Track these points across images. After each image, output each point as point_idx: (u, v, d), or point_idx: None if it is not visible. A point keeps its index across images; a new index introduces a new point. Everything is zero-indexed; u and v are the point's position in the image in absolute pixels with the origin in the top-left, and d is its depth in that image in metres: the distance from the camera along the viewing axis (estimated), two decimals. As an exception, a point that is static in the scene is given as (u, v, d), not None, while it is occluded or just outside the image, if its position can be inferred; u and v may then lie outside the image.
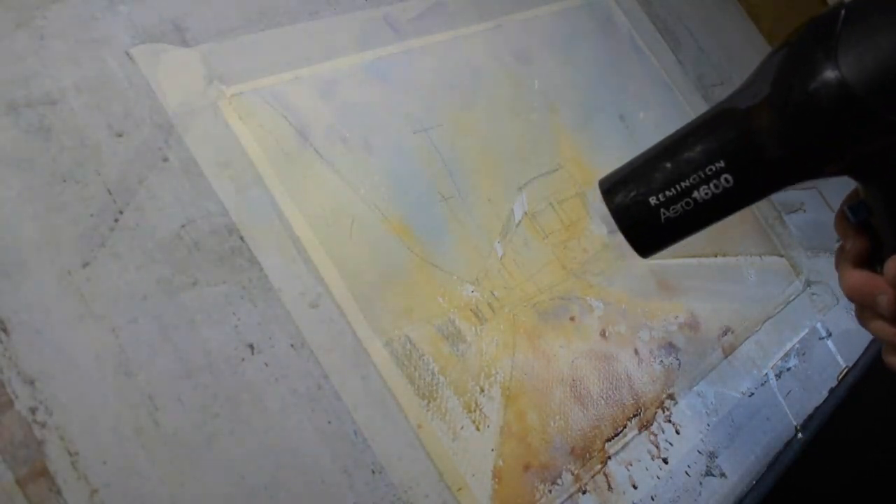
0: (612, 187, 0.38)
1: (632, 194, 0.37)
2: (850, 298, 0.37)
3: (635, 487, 0.50)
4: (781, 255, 0.69)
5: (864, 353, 0.69)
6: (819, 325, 0.68)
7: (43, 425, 0.34)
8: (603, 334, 0.55)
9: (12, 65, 0.40)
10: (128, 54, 0.44)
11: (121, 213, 0.40)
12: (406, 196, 0.51)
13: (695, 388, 0.57)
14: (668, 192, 0.35)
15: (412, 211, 0.51)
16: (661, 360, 0.56)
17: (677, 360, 0.57)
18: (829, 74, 0.30)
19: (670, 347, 0.57)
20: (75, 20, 0.44)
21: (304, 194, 0.47)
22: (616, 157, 0.64)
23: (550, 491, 0.47)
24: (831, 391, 0.65)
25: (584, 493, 0.48)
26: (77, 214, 0.39)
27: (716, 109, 0.36)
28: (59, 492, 0.33)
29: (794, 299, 0.67)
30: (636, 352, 0.56)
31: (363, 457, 0.42)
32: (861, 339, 0.70)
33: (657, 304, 0.59)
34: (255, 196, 0.45)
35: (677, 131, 0.36)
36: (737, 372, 0.60)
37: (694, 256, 0.64)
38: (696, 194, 0.35)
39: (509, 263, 0.54)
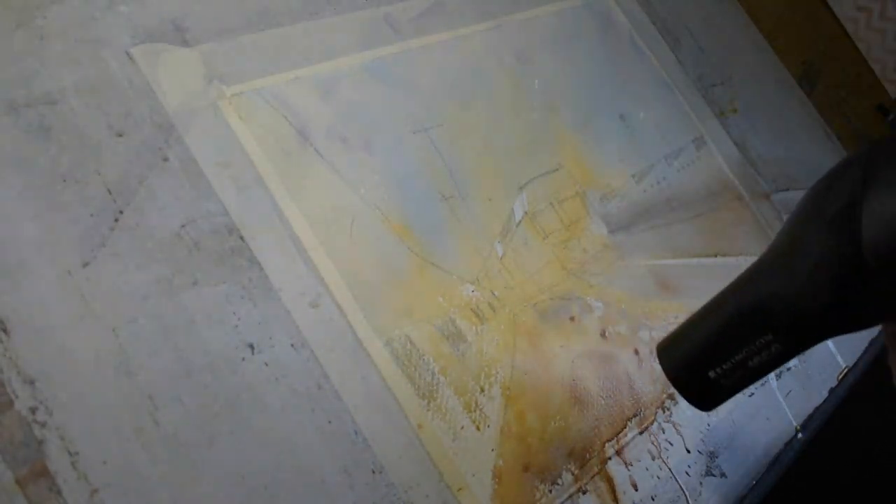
0: (670, 360, 0.40)
1: (690, 369, 0.39)
2: None
3: (636, 488, 0.50)
4: (781, 255, 0.69)
5: (864, 353, 0.69)
6: (819, 325, 0.68)
7: (43, 425, 0.34)
8: (603, 334, 0.55)
9: (12, 65, 0.40)
10: (128, 54, 0.44)
11: (121, 212, 0.40)
12: (406, 196, 0.51)
13: (695, 388, 0.57)
14: (724, 367, 0.38)
15: (412, 211, 0.51)
16: (662, 360, 0.56)
17: (677, 360, 0.57)
18: (848, 250, 0.31)
19: (670, 347, 0.57)
20: (75, 20, 0.44)
21: (305, 194, 0.47)
22: (616, 156, 0.64)
23: (550, 491, 0.47)
24: (831, 391, 0.65)
25: (584, 493, 0.48)
26: (77, 214, 0.39)
27: (753, 270, 0.38)
28: (59, 492, 0.33)
29: (794, 299, 0.67)
30: (636, 352, 0.56)
31: (363, 457, 0.42)
32: (861, 339, 0.70)
33: (657, 305, 0.59)
34: (256, 196, 0.45)
35: (724, 300, 0.39)
36: (737, 372, 0.60)
37: (694, 256, 0.64)
38: (750, 364, 0.37)
39: (509, 263, 0.54)
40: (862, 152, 0.33)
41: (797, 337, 0.36)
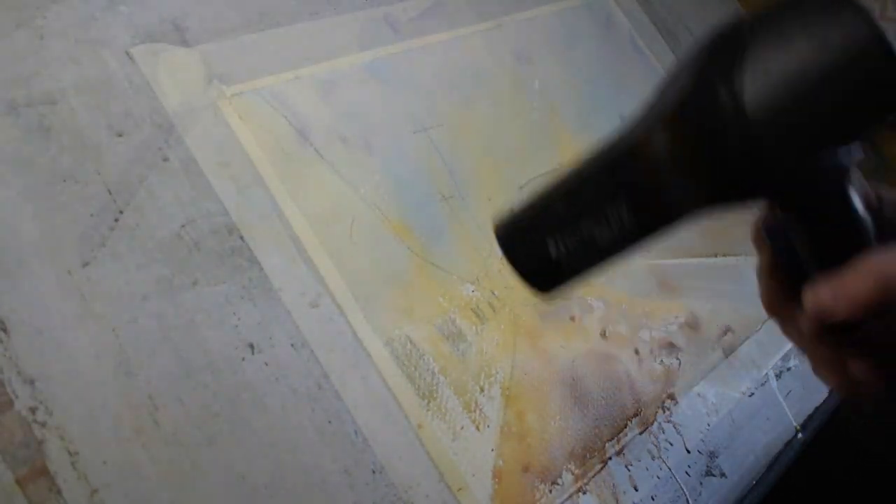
0: (507, 234, 0.35)
1: (525, 237, 0.35)
2: (768, 309, 0.34)
3: (636, 488, 0.50)
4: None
5: (864, 353, 0.69)
6: (819, 325, 0.68)
7: (43, 425, 0.34)
8: (603, 334, 0.55)
9: (12, 64, 0.40)
10: (128, 54, 0.44)
11: (121, 212, 0.40)
12: (406, 196, 0.51)
13: (695, 388, 0.57)
14: (563, 235, 0.33)
15: (412, 211, 0.51)
16: (662, 360, 0.56)
17: (677, 359, 0.57)
18: (726, 101, 0.27)
19: (671, 347, 0.57)
20: (75, 20, 0.44)
21: (305, 194, 0.47)
22: (616, 156, 0.64)
23: (551, 491, 0.47)
24: (831, 391, 0.65)
25: (584, 493, 0.48)
26: (77, 214, 0.39)
27: (612, 141, 0.32)
28: (59, 492, 0.33)
29: (794, 299, 0.67)
30: (636, 352, 0.56)
31: (363, 456, 0.42)
32: (861, 338, 0.70)
33: (657, 304, 0.59)
34: (256, 196, 0.45)
35: (581, 161, 0.33)
36: (737, 372, 0.60)
37: (694, 256, 0.64)
38: (594, 233, 0.32)
39: (509, 263, 0.54)
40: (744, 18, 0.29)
41: (650, 208, 0.31)
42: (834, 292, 0.28)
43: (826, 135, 0.27)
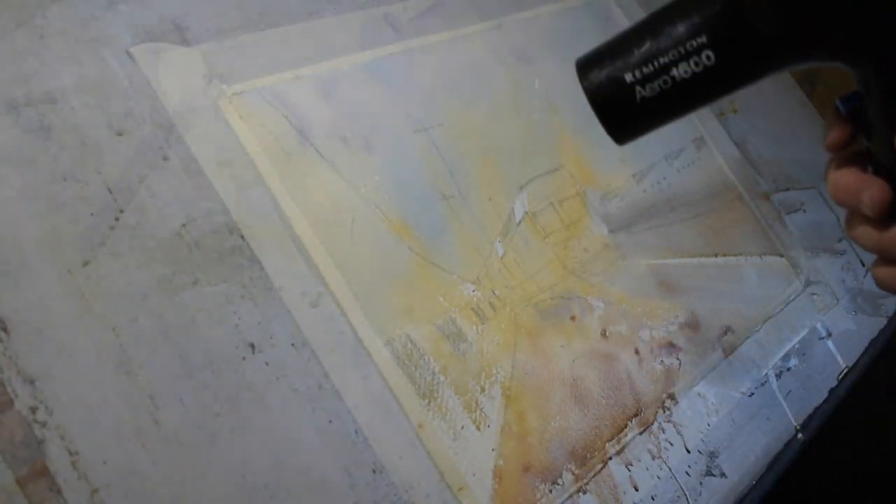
0: (586, 64, 0.34)
1: (606, 70, 0.33)
2: (836, 200, 0.34)
3: (636, 488, 0.50)
4: (781, 255, 0.69)
5: (864, 353, 0.69)
6: (819, 325, 0.68)
7: (43, 425, 0.34)
8: (603, 334, 0.55)
9: (13, 64, 0.40)
10: (128, 53, 0.44)
11: (121, 212, 0.40)
12: (407, 195, 0.51)
13: (695, 388, 0.57)
14: (644, 69, 0.32)
15: (413, 210, 0.51)
16: (662, 360, 0.56)
17: (678, 359, 0.57)
18: None
19: (671, 347, 0.57)
20: (75, 19, 0.43)
21: (305, 193, 0.47)
22: (616, 156, 0.64)
23: (551, 491, 0.47)
24: (831, 391, 0.65)
25: (584, 493, 0.48)
26: (77, 213, 0.39)
27: None
28: (59, 491, 0.33)
29: (794, 299, 0.67)
30: (637, 352, 0.56)
31: (364, 456, 0.42)
32: (861, 339, 0.70)
33: (658, 304, 0.59)
34: (256, 195, 0.45)
35: (662, 7, 0.33)
36: (737, 372, 0.60)
37: (694, 256, 0.64)
38: (674, 72, 0.32)
39: (510, 263, 0.54)
40: None
41: (734, 48, 0.31)
42: None
43: None
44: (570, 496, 0.47)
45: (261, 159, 0.46)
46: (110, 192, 0.40)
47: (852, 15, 0.29)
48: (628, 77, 0.33)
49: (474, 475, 0.45)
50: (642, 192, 0.64)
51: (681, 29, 0.31)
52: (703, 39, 0.31)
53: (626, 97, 0.33)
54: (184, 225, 0.42)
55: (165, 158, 0.43)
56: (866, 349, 0.69)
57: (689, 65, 0.31)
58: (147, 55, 0.45)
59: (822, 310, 0.69)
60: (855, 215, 0.33)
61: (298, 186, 0.47)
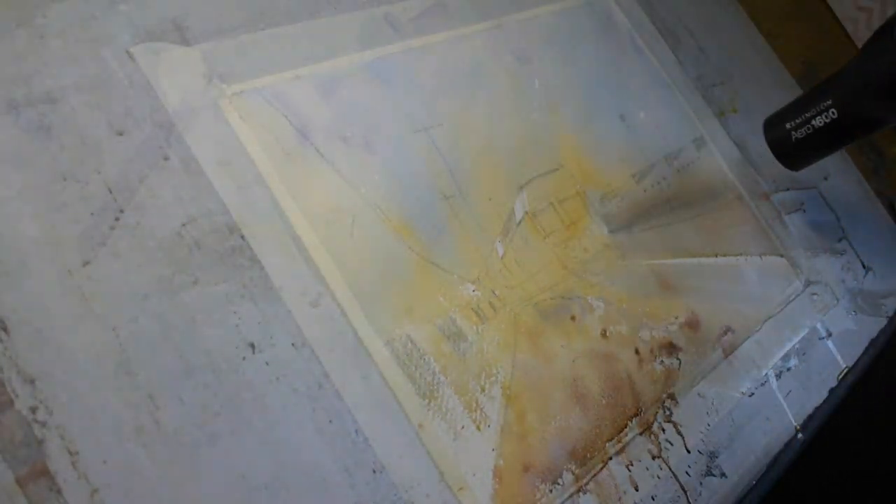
0: (768, 121, 0.59)
1: (775, 122, 0.57)
2: None
3: (636, 488, 0.50)
4: (781, 255, 0.69)
5: (864, 353, 0.69)
6: (819, 325, 0.68)
7: (43, 425, 0.34)
8: (604, 334, 0.55)
9: (12, 63, 0.40)
10: (128, 53, 0.44)
11: (121, 211, 0.40)
12: (407, 195, 0.51)
13: (695, 388, 0.57)
14: (796, 120, 0.54)
15: (413, 210, 0.51)
16: (662, 360, 0.56)
17: (678, 359, 0.57)
18: None
19: (671, 347, 0.57)
20: (75, 19, 0.43)
21: (305, 193, 0.47)
22: (616, 156, 0.64)
23: (551, 491, 0.47)
24: (831, 391, 0.65)
25: (584, 493, 0.48)
26: (77, 213, 0.39)
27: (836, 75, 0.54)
28: (59, 491, 0.33)
29: (794, 299, 0.67)
30: (637, 351, 0.56)
31: (364, 456, 0.42)
32: (861, 339, 0.70)
33: (658, 304, 0.59)
34: (256, 195, 0.45)
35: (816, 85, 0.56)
36: (737, 372, 0.60)
37: (694, 256, 0.64)
38: (813, 122, 0.52)
39: (510, 262, 0.54)
40: None
41: (851, 110, 0.49)
42: None
43: None
44: (571, 496, 0.47)
45: (261, 159, 0.46)
46: (110, 192, 0.40)
47: None
48: (787, 125, 0.56)
49: (474, 475, 0.45)
50: (642, 192, 0.64)
51: (818, 94, 0.53)
52: (829, 102, 0.51)
53: (786, 139, 0.56)
54: (184, 225, 0.42)
55: (165, 158, 0.43)
56: (866, 349, 0.69)
57: (821, 118, 0.51)
58: (147, 55, 0.45)
59: (822, 310, 0.69)
60: None
61: (298, 186, 0.47)
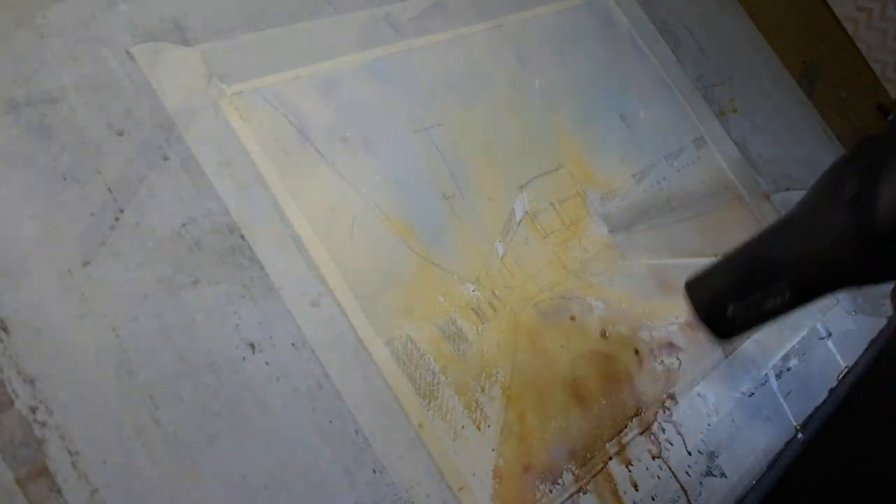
0: (695, 294, 0.47)
1: (711, 302, 0.46)
2: None
3: (636, 488, 0.50)
4: (781, 255, 0.69)
5: (864, 353, 0.69)
6: (819, 325, 0.68)
7: (43, 425, 0.34)
8: (603, 334, 0.55)
9: (13, 64, 0.40)
10: (128, 53, 0.44)
11: (121, 211, 0.40)
12: (407, 195, 0.51)
13: (695, 388, 0.57)
14: (742, 303, 0.44)
15: (413, 210, 0.51)
16: (662, 360, 0.56)
17: (678, 359, 0.57)
18: (858, 218, 0.37)
19: (671, 347, 0.57)
20: (76, 19, 0.43)
21: (305, 193, 0.47)
22: (616, 156, 0.64)
23: (551, 491, 0.47)
24: (831, 391, 0.65)
25: (584, 493, 0.48)
26: (77, 213, 0.39)
27: (775, 229, 0.44)
28: (59, 491, 0.33)
29: (794, 299, 0.67)
30: (637, 352, 0.56)
31: (364, 456, 0.42)
32: (861, 339, 0.70)
33: (658, 304, 0.59)
34: (256, 195, 0.45)
35: (749, 249, 0.45)
36: (737, 372, 0.60)
37: (694, 256, 0.64)
38: (764, 305, 0.43)
39: (510, 263, 0.54)
40: (863, 145, 0.40)
41: (809, 290, 0.43)
42: None
43: None
44: (571, 496, 0.47)
45: (261, 159, 0.46)
46: (110, 192, 0.40)
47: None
48: (729, 310, 0.45)
49: (474, 475, 0.45)
50: (642, 192, 0.64)
51: (766, 276, 0.43)
52: (784, 284, 0.43)
53: (728, 323, 0.45)
54: (184, 225, 0.42)
55: (165, 158, 0.43)
56: (866, 349, 0.69)
57: (774, 301, 0.43)
58: (147, 55, 0.45)
59: (822, 310, 0.69)
60: None
61: (298, 186, 0.47)
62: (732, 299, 0.44)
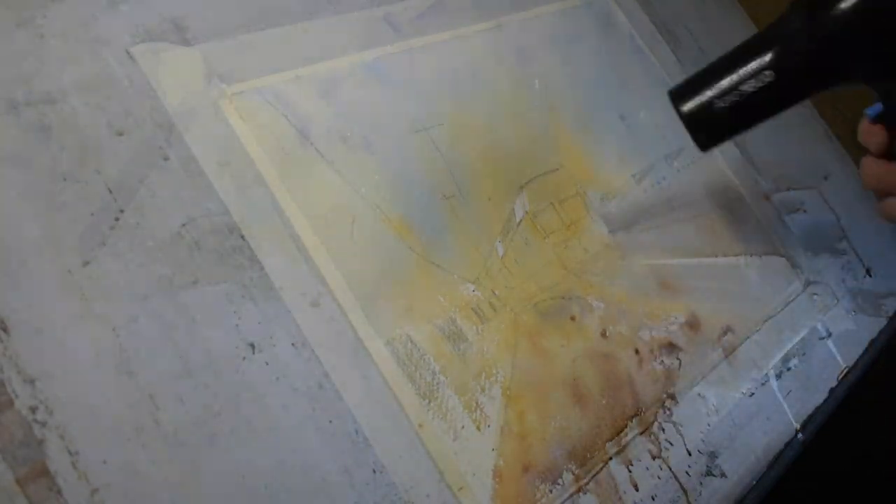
0: (677, 87, 0.47)
1: (690, 88, 0.45)
2: (870, 187, 0.45)
3: (636, 488, 0.50)
4: (781, 255, 0.69)
5: (864, 353, 0.69)
6: (819, 325, 0.68)
7: (43, 425, 0.34)
8: (603, 334, 0.55)
9: (12, 64, 0.40)
10: (128, 53, 0.44)
11: (121, 211, 0.40)
12: (407, 195, 0.51)
13: (695, 388, 0.57)
14: (719, 86, 0.43)
15: (413, 210, 0.51)
16: (662, 360, 0.56)
17: (678, 359, 0.57)
18: None
19: (671, 347, 0.57)
20: (76, 19, 0.43)
21: (305, 193, 0.47)
22: (616, 156, 0.64)
23: (551, 491, 0.47)
24: (831, 391, 0.65)
25: (584, 493, 0.48)
26: (77, 213, 0.39)
27: (761, 32, 0.44)
28: (59, 491, 0.33)
29: (794, 299, 0.67)
30: (637, 352, 0.56)
31: (364, 456, 0.42)
32: (861, 338, 0.70)
33: (658, 304, 0.59)
34: (256, 195, 0.45)
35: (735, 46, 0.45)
36: (737, 372, 0.60)
37: (694, 256, 0.64)
38: (742, 87, 0.42)
39: (510, 263, 0.54)
40: None
41: (787, 72, 0.42)
42: None
43: None
44: (570, 496, 0.47)
45: (261, 159, 0.46)
46: (110, 192, 0.40)
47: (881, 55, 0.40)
48: (708, 92, 0.44)
49: (474, 475, 0.45)
50: (642, 192, 0.64)
51: (747, 54, 0.43)
52: (765, 61, 0.42)
53: (706, 109, 0.44)
54: (184, 225, 0.42)
55: (165, 158, 0.43)
56: (866, 349, 0.69)
57: (754, 81, 0.42)
58: (147, 55, 0.45)
59: (822, 310, 0.69)
60: (886, 196, 0.45)
61: (298, 186, 0.47)
62: (711, 83, 0.44)
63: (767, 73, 0.42)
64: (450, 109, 0.57)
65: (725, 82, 0.43)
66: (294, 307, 0.43)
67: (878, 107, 0.44)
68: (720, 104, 0.43)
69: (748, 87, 0.42)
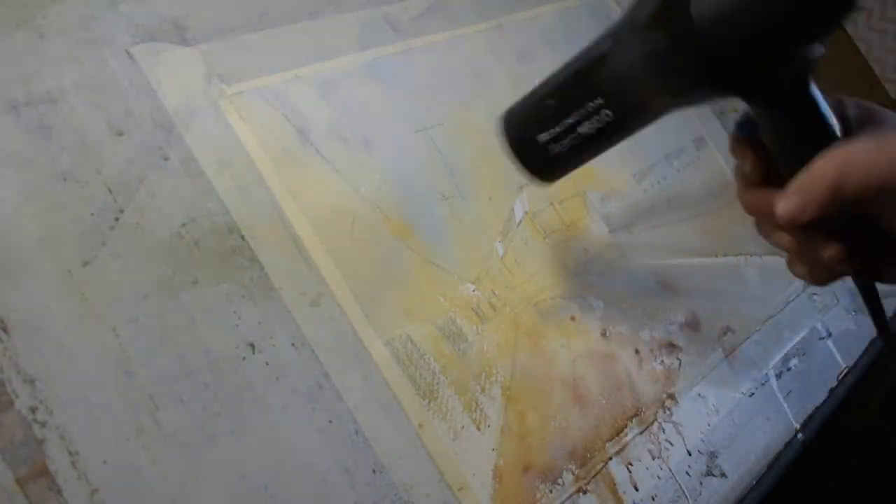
0: (506, 125, 0.41)
1: (522, 133, 0.40)
2: (750, 214, 0.39)
3: (636, 488, 0.50)
4: (782, 255, 0.69)
5: (864, 353, 0.69)
6: (819, 325, 0.68)
7: (43, 425, 0.34)
8: (604, 334, 0.55)
9: (12, 64, 0.40)
10: (128, 53, 0.44)
11: (121, 212, 0.40)
12: (407, 195, 0.51)
13: (695, 388, 0.57)
14: (554, 130, 0.38)
15: (413, 210, 0.51)
16: (662, 360, 0.56)
17: (678, 359, 0.57)
18: (681, 13, 0.32)
19: (671, 347, 0.57)
20: (75, 19, 0.43)
21: (305, 193, 0.47)
22: (616, 156, 0.64)
23: (551, 491, 0.47)
24: (831, 391, 0.65)
25: (584, 493, 0.48)
26: (77, 213, 0.39)
27: (593, 46, 0.37)
28: (59, 491, 0.33)
29: (794, 299, 0.67)
30: (637, 352, 0.56)
31: (364, 456, 0.42)
32: (861, 338, 0.70)
33: (658, 304, 0.59)
34: (256, 195, 0.45)
35: (560, 69, 0.39)
36: (737, 372, 0.60)
37: (694, 256, 0.64)
38: (580, 130, 0.38)
39: (510, 263, 0.54)
40: None
41: (626, 105, 0.36)
42: (800, 199, 0.33)
43: (768, 42, 0.31)
44: (570, 496, 0.47)
45: (261, 159, 0.46)
46: (110, 192, 0.40)
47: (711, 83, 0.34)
48: (542, 138, 0.39)
49: (474, 475, 0.45)
50: (642, 192, 0.64)
51: (581, 93, 0.37)
52: (600, 101, 0.36)
53: (542, 154, 0.39)
54: (184, 225, 0.42)
55: (165, 158, 0.43)
56: (866, 349, 0.69)
57: (591, 123, 0.37)
58: (147, 55, 0.45)
59: (822, 310, 0.69)
60: (765, 224, 0.40)
61: (298, 186, 0.47)
62: (544, 127, 0.38)
63: (606, 112, 0.36)
64: (450, 109, 0.56)
65: (559, 128, 0.38)
66: (294, 307, 0.43)
67: (748, 124, 0.38)
68: (557, 148, 0.39)
69: (586, 130, 0.37)
